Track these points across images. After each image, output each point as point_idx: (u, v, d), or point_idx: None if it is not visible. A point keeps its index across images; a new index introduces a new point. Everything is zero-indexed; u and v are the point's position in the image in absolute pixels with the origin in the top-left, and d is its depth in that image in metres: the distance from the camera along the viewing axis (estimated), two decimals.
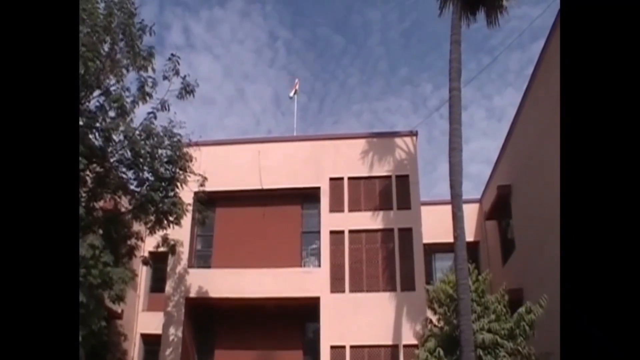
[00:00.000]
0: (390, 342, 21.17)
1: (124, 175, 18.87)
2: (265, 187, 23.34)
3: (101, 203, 18.34)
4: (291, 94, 28.46)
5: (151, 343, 24.98)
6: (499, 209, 24.65)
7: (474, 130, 64.45)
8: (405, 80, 69.24)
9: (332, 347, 21.27)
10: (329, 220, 23.02)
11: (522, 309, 17.03)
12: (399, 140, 23.90)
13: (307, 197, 23.82)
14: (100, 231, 17.10)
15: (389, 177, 23.36)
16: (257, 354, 22.41)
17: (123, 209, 19.65)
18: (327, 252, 22.66)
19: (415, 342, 20.17)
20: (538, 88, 19.90)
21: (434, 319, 19.30)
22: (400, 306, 21.42)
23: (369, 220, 22.94)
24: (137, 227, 20.15)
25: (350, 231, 22.91)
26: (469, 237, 20.17)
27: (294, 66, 67.47)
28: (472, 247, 22.71)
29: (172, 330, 22.26)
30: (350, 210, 23.19)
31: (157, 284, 25.72)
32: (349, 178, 23.54)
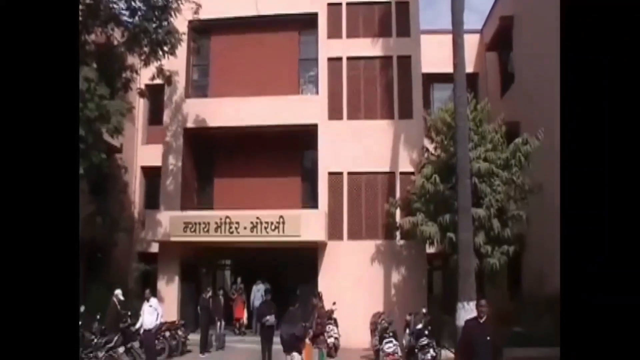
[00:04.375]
0: (387, 169, 21.53)
1: (115, 6, 18.10)
2: (262, 13, 22.45)
3: (93, 36, 17.73)
4: None
5: (152, 175, 25.49)
6: (500, 40, 24.03)
7: None
8: None
9: (330, 174, 21.67)
10: (327, 47, 22.49)
11: (518, 140, 17.16)
12: None
13: (305, 23, 23.00)
14: (94, 65, 16.69)
15: (388, 2, 22.50)
16: (256, 181, 22.83)
17: (116, 42, 19.07)
18: (324, 79, 22.37)
19: (412, 169, 20.56)
20: None
21: (431, 147, 19.50)
22: (398, 134, 21.53)
23: (368, 47, 22.40)
24: (131, 60, 19.68)
25: (349, 58, 22.45)
26: (469, 68, 19.71)
27: None
28: (471, 79, 22.27)
29: (171, 160, 22.53)
30: (349, 36, 22.57)
31: (155, 117, 25.70)
32: (347, 3, 22.65)
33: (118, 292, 16.70)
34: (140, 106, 26.13)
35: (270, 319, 14.81)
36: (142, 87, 22.10)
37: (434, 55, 22.53)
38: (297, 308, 12.48)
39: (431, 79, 24.25)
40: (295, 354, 11.37)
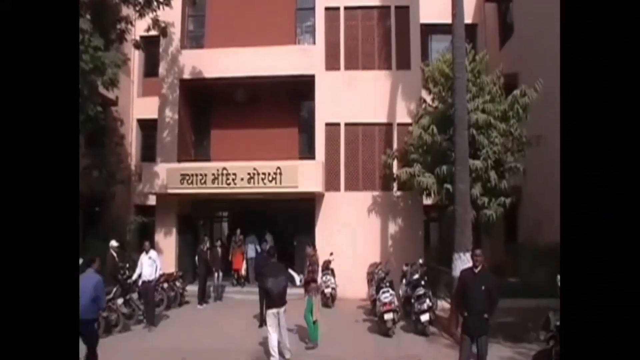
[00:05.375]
0: (384, 120, 21.47)
1: None
2: None
3: None
4: None
5: (148, 128, 25.45)
6: None
7: None
8: None
9: (327, 125, 21.62)
10: None
11: (516, 92, 17.02)
12: None
13: None
14: (88, 16, 16.38)
15: None
16: (253, 132, 22.81)
17: None
18: (322, 29, 22.10)
19: (409, 120, 20.45)
20: None
21: (429, 98, 19.38)
22: (396, 85, 21.41)
23: None
24: (126, 11, 19.33)
25: (346, 8, 22.15)
26: (467, 19, 19.49)
27: None
28: (470, 30, 22.00)
29: (167, 113, 22.42)
30: None
31: (151, 69, 25.52)
32: None
33: (113, 243, 16.80)
34: (136, 58, 25.91)
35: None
36: (137, 38, 21.79)
37: (432, 5, 22.23)
38: (277, 260, 12.52)
39: (429, 30, 23.94)
40: (283, 308, 11.37)
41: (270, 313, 11.31)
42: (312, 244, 15.23)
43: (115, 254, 16.48)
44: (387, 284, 14.74)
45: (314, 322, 12.99)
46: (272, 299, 11.36)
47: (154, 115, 22.95)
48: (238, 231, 22.31)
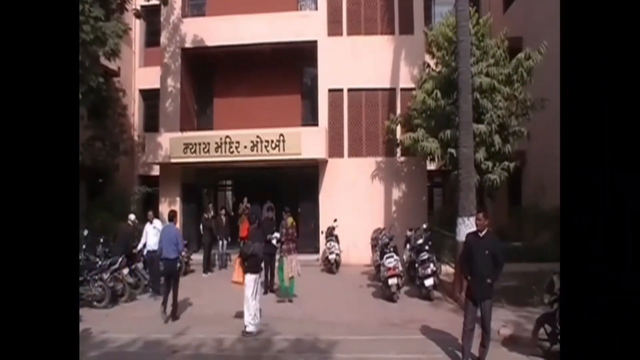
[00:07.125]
0: (387, 86, 21.39)
1: None
2: None
3: None
4: None
5: (150, 98, 25.36)
6: None
7: None
8: None
9: (330, 91, 21.54)
10: None
11: (521, 55, 16.82)
12: None
13: None
14: None
15: None
16: (255, 100, 22.76)
17: None
18: None
19: (412, 85, 20.32)
20: None
21: (432, 63, 19.20)
22: (399, 50, 21.26)
23: None
24: None
25: None
26: None
27: None
28: None
29: (170, 82, 22.34)
30: None
31: (152, 38, 25.35)
32: None
33: (131, 216, 16.78)
34: (137, 28, 25.69)
35: (273, 236, 15.02)
36: (138, 8, 21.57)
37: None
38: (258, 226, 12.81)
39: None
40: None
41: (252, 279, 11.05)
42: (287, 210, 15.40)
43: (131, 227, 16.51)
44: (391, 249, 14.79)
45: (290, 279, 14.00)
46: (256, 263, 11.31)
47: (156, 85, 22.90)
48: (245, 199, 22.35)
